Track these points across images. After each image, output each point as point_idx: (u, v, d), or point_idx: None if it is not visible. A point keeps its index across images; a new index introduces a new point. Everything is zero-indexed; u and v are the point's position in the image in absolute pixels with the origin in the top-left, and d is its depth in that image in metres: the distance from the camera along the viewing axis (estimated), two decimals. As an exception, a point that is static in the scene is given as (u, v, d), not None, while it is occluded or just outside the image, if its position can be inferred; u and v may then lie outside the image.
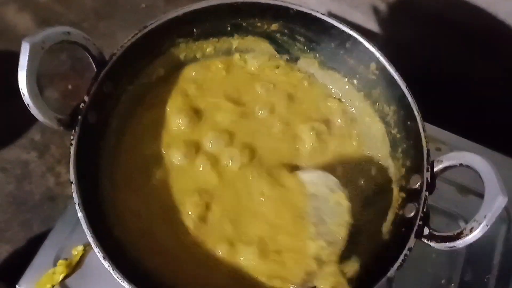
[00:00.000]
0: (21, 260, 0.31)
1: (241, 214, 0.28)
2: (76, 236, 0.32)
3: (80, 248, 0.32)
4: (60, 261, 0.31)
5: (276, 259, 0.27)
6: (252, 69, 0.33)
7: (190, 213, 0.28)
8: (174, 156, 0.29)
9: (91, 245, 0.23)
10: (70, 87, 0.39)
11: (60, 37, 0.25)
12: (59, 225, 0.33)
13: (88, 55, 0.27)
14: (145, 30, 0.28)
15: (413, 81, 0.29)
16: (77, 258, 0.32)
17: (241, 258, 0.27)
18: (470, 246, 0.36)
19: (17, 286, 0.30)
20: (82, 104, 0.26)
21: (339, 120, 0.32)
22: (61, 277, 0.31)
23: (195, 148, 0.30)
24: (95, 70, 0.27)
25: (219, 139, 0.30)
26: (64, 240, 0.32)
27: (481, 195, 0.38)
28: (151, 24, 0.29)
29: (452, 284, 0.34)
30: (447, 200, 0.35)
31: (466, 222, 0.35)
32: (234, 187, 0.29)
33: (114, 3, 0.54)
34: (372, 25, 0.45)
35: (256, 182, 0.29)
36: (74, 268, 0.31)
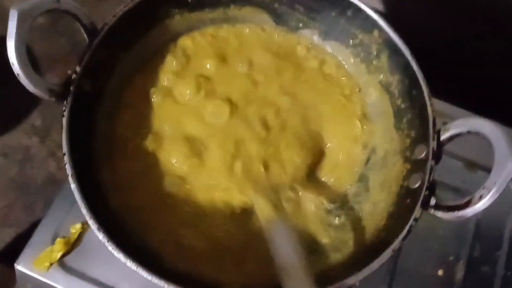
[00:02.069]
0: (24, 243, 0.31)
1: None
2: (74, 214, 0.32)
3: (78, 226, 0.32)
4: (58, 239, 0.31)
5: None
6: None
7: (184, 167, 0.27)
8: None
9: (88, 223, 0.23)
10: (69, 71, 0.39)
11: (49, 5, 0.24)
12: (57, 204, 0.32)
13: (80, 27, 0.26)
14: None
15: (417, 55, 0.27)
16: (75, 236, 0.31)
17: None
18: (479, 222, 0.35)
19: (15, 264, 0.30)
20: (74, 75, 0.25)
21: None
22: (59, 255, 0.30)
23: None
24: (87, 40, 0.26)
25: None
26: (62, 218, 0.32)
27: (489, 170, 0.37)
28: (145, -8, 0.28)
29: (461, 261, 0.33)
30: (455, 176, 0.34)
31: (475, 197, 0.35)
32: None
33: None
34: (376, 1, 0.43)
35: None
36: (72, 246, 0.31)
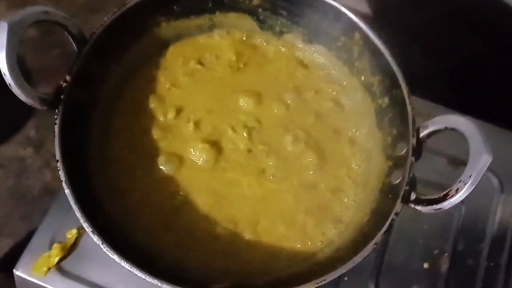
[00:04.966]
0: (22, 251, 0.32)
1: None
2: (70, 219, 0.32)
3: (74, 231, 0.32)
4: (55, 245, 0.31)
5: None
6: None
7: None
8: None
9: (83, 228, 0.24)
10: (62, 82, 0.40)
11: (38, 16, 0.25)
12: (53, 210, 0.33)
13: (69, 36, 0.27)
14: (124, 8, 0.28)
15: (397, 55, 0.28)
16: (72, 240, 0.32)
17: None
18: (462, 216, 0.36)
19: (14, 270, 0.31)
20: (64, 84, 0.26)
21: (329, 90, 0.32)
22: (56, 259, 0.31)
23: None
24: (77, 50, 0.27)
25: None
26: (59, 224, 0.32)
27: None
28: (130, 1, 0.29)
29: (446, 254, 0.34)
30: (438, 173, 0.35)
31: (458, 192, 0.36)
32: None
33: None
34: (362, 6, 0.44)
35: None
36: (69, 250, 0.32)
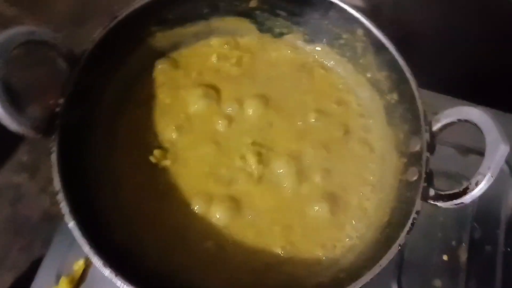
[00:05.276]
0: (27, 285, 0.30)
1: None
2: (76, 250, 0.30)
3: (81, 262, 0.31)
4: (62, 278, 0.30)
5: None
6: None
7: (197, 207, 0.27)
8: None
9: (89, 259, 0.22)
10: (51, 102, 0.37)
11: (24, 37, 0.23)
12: (57, 241, 0.31)
13: (59, 56, 0.25)
14: (115, 21, 0.27)
15: (402, 48, 0.28)
16: (80, 272, 0.30)
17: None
18: (477, 204, 0.36)
19: (20, 309, 0.29)
20: (58, 108, 0.24)
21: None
22: (65, 294, 0.29)
23: None
24: (68, 69, 0.25)
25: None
26: (64, 255, 0.30)
27: (482, 153, 0.38)
28: (120, 14, 0.27)
29: (463, 244, 0.33)
30: (448, 162, 0.35)
31: (469, 180, 0.35)
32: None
33: (86, 10, 0.51)
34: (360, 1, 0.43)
35: None
36: (77, 283, 0.30)
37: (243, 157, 0.28)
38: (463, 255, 0.33)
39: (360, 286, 0.23)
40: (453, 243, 0.33)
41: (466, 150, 0.36)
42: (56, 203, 0.42)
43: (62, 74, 0.25)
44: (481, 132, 0.23)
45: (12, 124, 0.22)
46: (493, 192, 0.35)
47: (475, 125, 0.24)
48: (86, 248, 0.22)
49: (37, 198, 0.42)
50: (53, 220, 0.41)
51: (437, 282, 0.32)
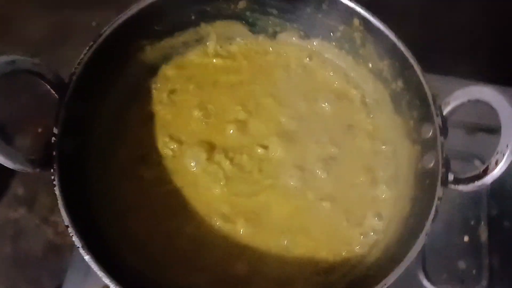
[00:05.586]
0: None
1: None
2: (91, 279, 0.29)
3: (98, 291, 0.29)
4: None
5: None
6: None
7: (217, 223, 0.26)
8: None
9: (108, 286, 0.21)
10: (40, 129, 0.35)
11: (4, 68, 0.21)
12: (70, 274, 0.30)
13: (44, 83, 0.23)
14: (101, 39, 0.25)
15: (401, 34, 0.27)
16: (98, 302, 0.29)
17: None
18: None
19: None
20: (53, 138, 0.23)
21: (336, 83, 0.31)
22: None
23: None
24: (57, 96, 0.24)
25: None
26: (81, 286, 0.29)
27: (489, 130, 0.38)
28: (105, 31, 0.25)
29: (482, 223, 0.34)
30: (457, 143, 0.35)
31: (481, 159, 0.35)
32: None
33: (64, 29, 0.49)
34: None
35: None
36: (97, 313, 0.29)
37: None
38: (483, 234, 0.33)
39: (392, 281, 0.22)
40: (472, 223, 0.33)
41: (473, 129, 0.36)
42: (59, 233, 0.41)
43: (47, 99, 0.24)
44: (494, 110, 0.23)
45: (6, 161, 0.21)
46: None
47: (487, 104, 0.23)
48: (107, 280, 0.21)
49: (39, 230, 0.40)
50: (59, 250, 0.40)
51: (461, 264, 0.32)
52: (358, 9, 0.28)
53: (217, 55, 0.31)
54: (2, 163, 0.21)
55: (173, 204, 0.26)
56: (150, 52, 0.29)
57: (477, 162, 0.35)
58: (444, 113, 0.26)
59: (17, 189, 0.42)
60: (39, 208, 0.42)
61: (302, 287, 0.25)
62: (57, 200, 0.22)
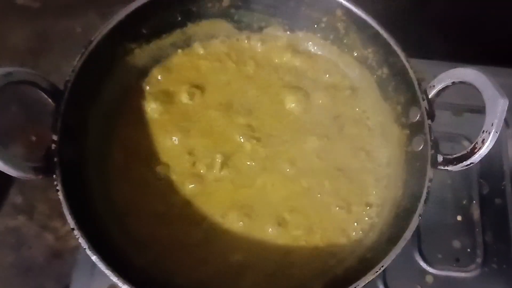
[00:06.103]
0: None
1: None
2: (98, 279, 0.29)
3: (106, 290, 0.29)
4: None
5: None
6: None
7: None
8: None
9: (116, 285, 0.21)
10: (34, 138, 0.34)
11: (2, 80, 0.21)
12: (76, 276, 0.30)
13: (40, 92, 0.23)
14: (91, 46, 0.26)
15: (384, 22, 0.27)
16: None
17: None
18: (480, 160, 0.37)
19: None
20: (53, 145, 0.23)
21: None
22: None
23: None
24: (53, 104, 0.24)
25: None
26: (88, 286, 0.29)
27: (475, 110, 0.38)
28: (95, 37, 0.26)
29: (474, 202, 0.34)
30: (444, 124, 0.36)
31: (469, 139, 0.36)
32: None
33: (47, 36, 0.49)
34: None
35: None
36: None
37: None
38: (475, 212, 0.34)
39: (389, 262, 0.23)
40: (464, 202, 0.34)
41: (460, 110, 0.36)
42: (60, 238, 0.41)
43: (34, 109, 0.24)
44: (478, 90, 0.24)
45: (10, 170, 0.21)
46: (493, 146, 0.36)
47: (471, 85, 0.24)
48: (115, 278, 0.21)
49: (40, 237, 0.40)
50: (61, 255, 0.40)
51: (456, 243, 0.33)
52: (340, -1, 0.28)
53: (205, 54, 0.31)
54: (6, 171, 0.21)
55: (173, 204, 0.27)
56: (140, 55, 0.30)
57: (465, 142, 0.36)
58: (430, 96, 0.26)
59: (16, 197, 0.42)
60: (38, 215, 0.42)
61: (301, 271, 0.26)
62: (55, 206, 0.22)
